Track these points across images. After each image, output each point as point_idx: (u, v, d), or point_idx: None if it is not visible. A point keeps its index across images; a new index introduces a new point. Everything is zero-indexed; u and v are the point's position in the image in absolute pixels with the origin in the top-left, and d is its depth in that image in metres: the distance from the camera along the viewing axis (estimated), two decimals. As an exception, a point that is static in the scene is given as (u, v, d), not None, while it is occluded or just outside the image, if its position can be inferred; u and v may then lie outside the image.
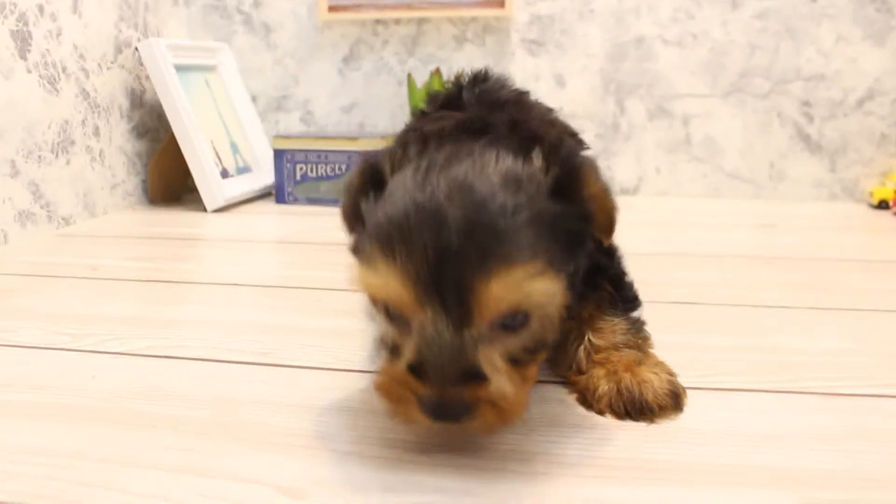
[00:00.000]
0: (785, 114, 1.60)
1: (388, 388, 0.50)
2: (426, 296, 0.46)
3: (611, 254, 0.67)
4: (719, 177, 1.65)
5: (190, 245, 1.25)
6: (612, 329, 0.65)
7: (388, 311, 0.50)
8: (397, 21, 1.69)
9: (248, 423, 0.58)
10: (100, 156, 1.44)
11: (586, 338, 0.64)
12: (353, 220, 0.54)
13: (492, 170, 0.49)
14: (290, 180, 1.56)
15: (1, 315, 0.84)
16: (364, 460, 0.52)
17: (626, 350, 0.64)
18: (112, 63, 1.47)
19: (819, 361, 0.72)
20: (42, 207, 1.27)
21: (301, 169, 1.55)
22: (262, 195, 1.66)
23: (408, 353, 0.49)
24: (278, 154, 1.56)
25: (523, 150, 0.52)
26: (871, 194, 1.56)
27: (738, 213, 1.51)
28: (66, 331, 0.79)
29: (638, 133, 1.65)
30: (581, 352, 0.64)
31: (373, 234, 0.49)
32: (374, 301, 0.51)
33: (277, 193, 1.58)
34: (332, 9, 1.66)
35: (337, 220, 0.58)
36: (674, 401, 0.60)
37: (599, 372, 0.62)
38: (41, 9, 1.26)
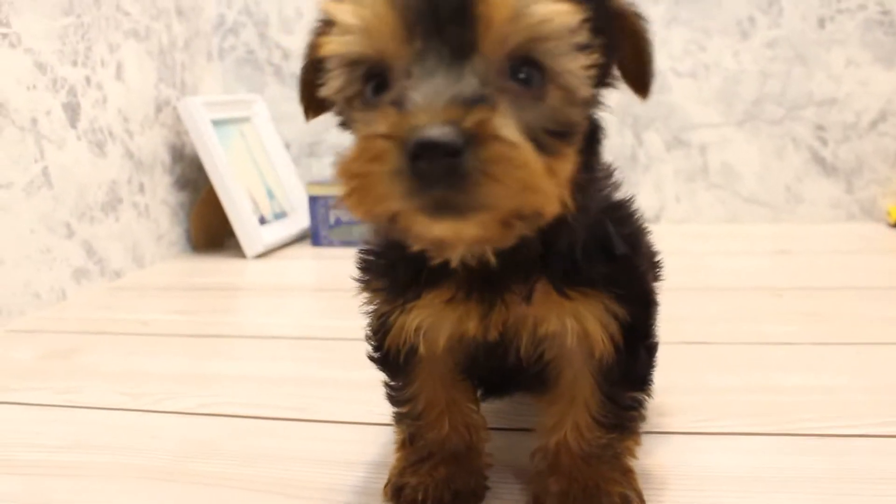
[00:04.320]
0: (799, 138, 1.64)
1: (355, 159, 0.40)
2: (413, 21, 0.40)
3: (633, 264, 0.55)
4: (737, 202, 1.69)
5: (232, 295, 1.34)
6: (594, 435, 0.55)
7: (362, 83, 0.44)
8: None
9: (277, 477, 0.65)
10: (145, 210, 1.53)
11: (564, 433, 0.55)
12: None
13: None
14: (324, 225, 1.64)
15: (66, 374, 0.93)
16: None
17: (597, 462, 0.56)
18: (153, 122, 1.57)
19: (815, 400, 0.77)
20: (95, 263, 1.37)
21: (335, 214, 1.64)
22: (300, 238, 1.74)
23: (390, 97, 0.41)
24: (312, 200, 1.64)
25: None
26: (888, 213, 1.59)
27: (756, 238, 1.56)
28: (124, 390, 0.87)
29: (656, 164, 1.71)
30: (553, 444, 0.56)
31: None
32: (343, 60, 0.44)
33: (313, 237, 1.66)
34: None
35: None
36: None
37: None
38: (88, 80, 1.37)
